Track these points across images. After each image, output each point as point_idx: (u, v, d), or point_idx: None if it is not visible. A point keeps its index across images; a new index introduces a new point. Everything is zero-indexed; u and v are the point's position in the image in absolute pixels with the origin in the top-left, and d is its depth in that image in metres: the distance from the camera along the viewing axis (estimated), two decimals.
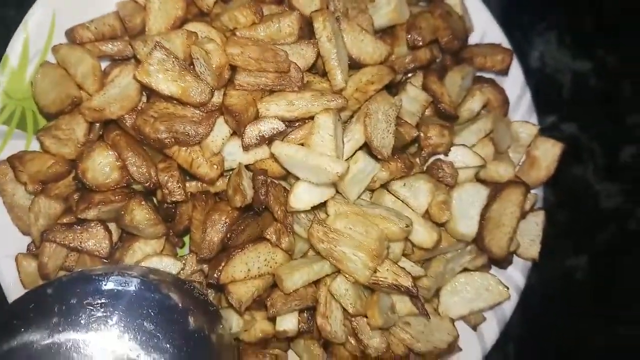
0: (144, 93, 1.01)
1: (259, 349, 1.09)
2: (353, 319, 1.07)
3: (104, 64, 1.06)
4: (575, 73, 1.52)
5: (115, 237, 1.03)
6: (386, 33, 1.18)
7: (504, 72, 1.25)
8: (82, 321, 0.90)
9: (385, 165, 1.07)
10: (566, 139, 1.50)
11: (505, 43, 1.29)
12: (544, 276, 1.47)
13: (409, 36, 1.13)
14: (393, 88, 1.16)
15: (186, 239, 1.13)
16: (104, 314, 0.92)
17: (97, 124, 1.01)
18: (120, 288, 0.96)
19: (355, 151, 1.05)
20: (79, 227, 0.98)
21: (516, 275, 1.30)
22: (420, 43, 1.13)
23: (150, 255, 1.02)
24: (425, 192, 1.10)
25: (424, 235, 1.09)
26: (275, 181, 1.04)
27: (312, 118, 1.02)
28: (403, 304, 1.13)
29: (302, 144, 1.01)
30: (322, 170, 0.96)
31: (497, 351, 1.33)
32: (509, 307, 1.28)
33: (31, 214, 0.99)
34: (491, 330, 1.27)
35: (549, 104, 1.50)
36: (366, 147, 1.06)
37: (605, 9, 1.52)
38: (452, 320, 1.20)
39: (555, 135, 1.48)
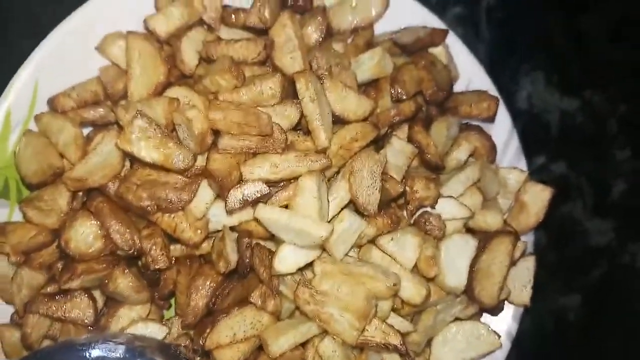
0: (126, 159, 1.00)
1: None
2: None
3: (87, 129, 1.06)
4: (562, 112, 1.53)
5: (100, 303, 1.02)
6: (370, 85, 1.18)
7: (491, 119, 1.25)
8: None
9: (372, 221, 1.07)
10: (555, 179, 1.51)
11: (492, 89, 1.29)
12: (536, 318, 1.47)
13: (393, 90, 1.13)
14: (379, 141, 1.16)
15: (172, 299, 1.12)
16: None
17: (80, 192, 1.00)
18: (110, 356, 0.95)
19: (341, 209, 1.05)
20: (62, 297, 0.97)
21: (508, 321, 1.29)
22: (404, 97, 1.13)
23: (135, 320, 1.01)
24: (413, 246, 1.10)
25: (412, 291, 1.08)
26: (261, 242, 1.03)
27: (296, 178, 1.01)
28: None
29: (286, 206, 1.01)
30: (306, 233, 0.95)
31: None
32: (501, 355, 1.27)
33: (14, 285, 0.98)
34: None
35: (537, 144, 1.50)
36: (352, 204, 1.06)
37: (591, 50, 1.53)
38: None
39: (544, 176, 1.49)
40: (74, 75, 1.05)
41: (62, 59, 1.05)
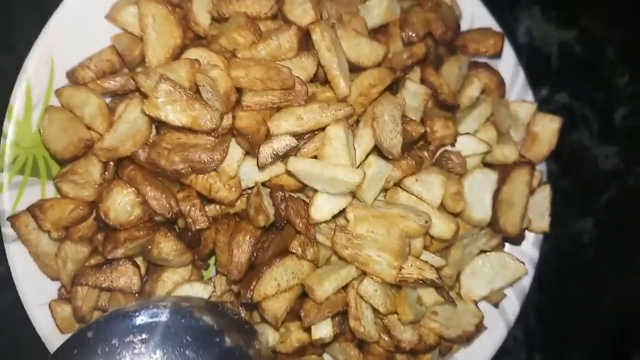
0: (153, 125, 1.01)
1: (295, 358, 1.11)
2: (384, 316, 1.10)
3: (106, 100, 1.06)
4: (561, 43, 1.55)
5: (142, 270, 1.04)
6: (379, 32, 1.19)
7: (497, 55, 1.27)
8: (127, 359, 0.91)
9: (397, 164, 1.09)
10: (560, 109, 1.54)
11: (495, 25, 1.31)
12: (554, 242, 1.52)
13: (404, 33, 1.14)
14: (393, 85, 1.17)
15: (210, 259, 1.14)
16: (147, 350, 0.93)
17: (112, 162, 1.01)
18: (156, 320, 0.97)
19: (367, 155, 1.07)
20: (108, 267, 0.99)
21: (530, 249, 1.34)
22: (415, 39, 1.14)
23: (180, 283, 1.03)
24: (438, 184, 1.13)
25: (442, 227, 1.11)
26: (294, 195, 1.05)
27: (322, 129, 1.03)
28: (428, 295, 1.16)
29: (315, 157, 1.02)
30: (340, 181, 0.98)
31: (520, 322, 1.38)
32: (526, 281, 1.33)
33: (59, 260, 0.99)
34: (512, 305, 1.32)
35: (540, 76, 1.52)
36: (376, 149, 1.08)
37: None
38: (475, 302, 1.24)
39: (550, 107, 1.52)
40: (88, 45, 1.04)
41: (73, 31, 1.04)
